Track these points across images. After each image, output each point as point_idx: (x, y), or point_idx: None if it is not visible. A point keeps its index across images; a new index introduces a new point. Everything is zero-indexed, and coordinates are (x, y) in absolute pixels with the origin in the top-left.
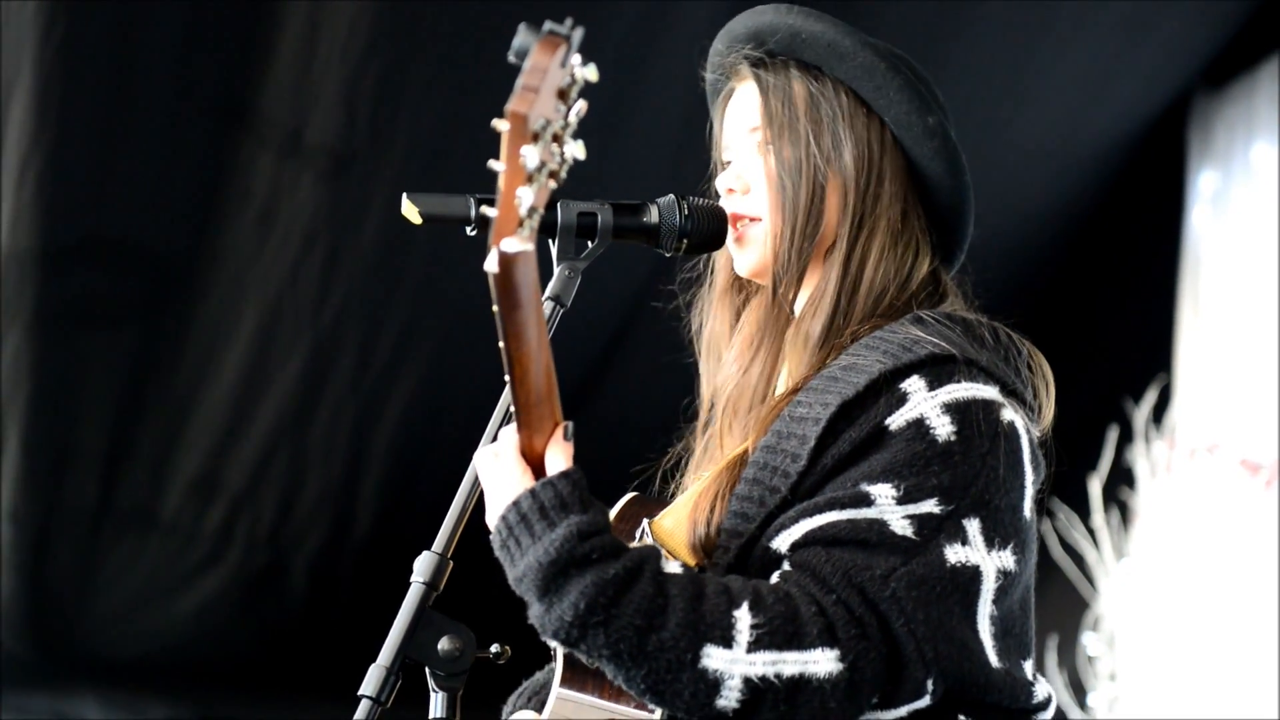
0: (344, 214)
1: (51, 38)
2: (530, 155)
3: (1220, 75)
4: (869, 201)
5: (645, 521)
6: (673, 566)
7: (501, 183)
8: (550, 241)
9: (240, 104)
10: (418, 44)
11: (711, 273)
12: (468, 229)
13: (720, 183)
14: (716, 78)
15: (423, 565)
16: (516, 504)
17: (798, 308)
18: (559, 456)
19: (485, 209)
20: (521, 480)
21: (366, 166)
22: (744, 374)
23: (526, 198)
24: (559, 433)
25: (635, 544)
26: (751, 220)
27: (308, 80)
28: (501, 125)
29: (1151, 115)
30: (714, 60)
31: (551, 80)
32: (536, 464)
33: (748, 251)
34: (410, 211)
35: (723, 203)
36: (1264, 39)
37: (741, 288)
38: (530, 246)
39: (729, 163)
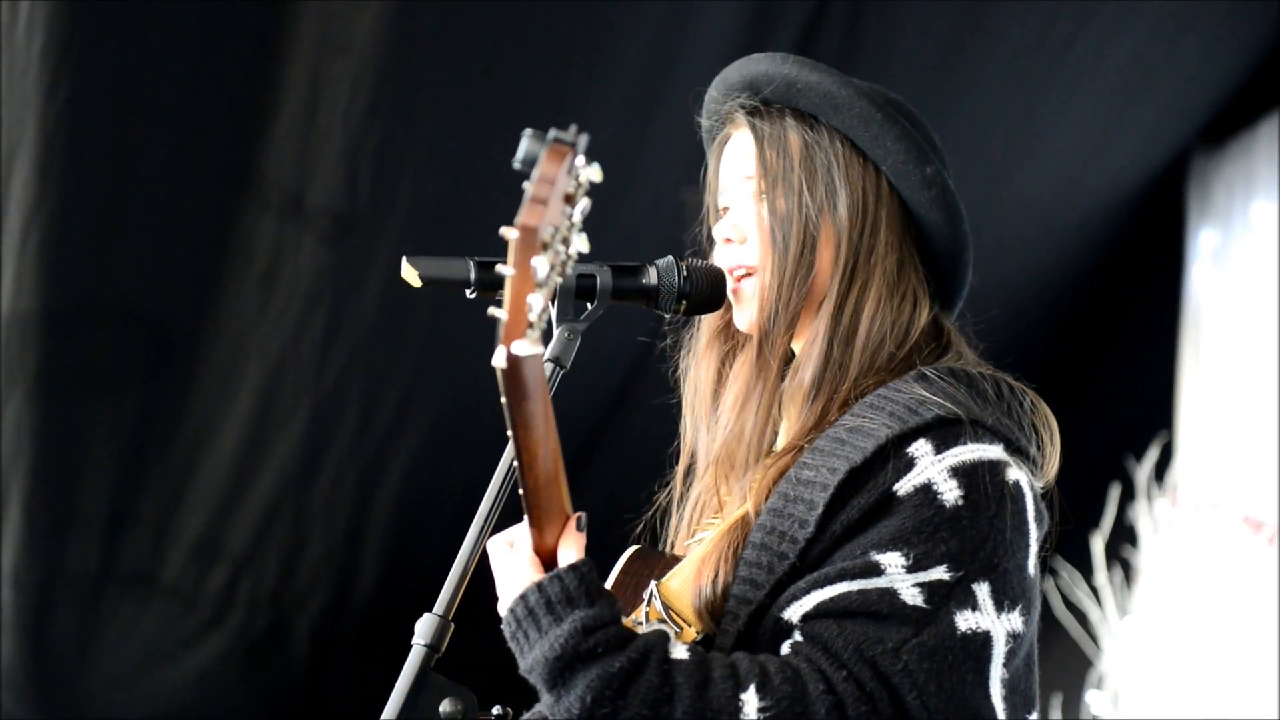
0: (346, 276)
1: (55, 101)
2: (540, 265)
3: (1219, 133)
4: (863, 251)
5: (653, 583)
6: (680, 652)
7: (510, 287)
8: (550, 304)
9: (242, 167)
10: (419, 107)
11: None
12: (468, 292)
13: (717, 232)
14: (712, 124)
15: (424, 627)
16: (524, 597)
17: (797, 352)
18: (570, 549)
19: (494, 310)
20: (530, 573)
21: (368, 229)
22: (738, 429)
23: (536, 304)
24: (571, 524)
25: (643, 605)
26: (747, 273)
27: (309, 143)
28: (510, 234)
29: (1151, 173)
30: (709, 107)
31: (559, 189)
32: (549, 555)
33: (745, 307)
34: (410, 274)
35: (719, 252)
36: (1262, 98)
37: (728, 334)
38: (539, 349)
39: (724, 209)
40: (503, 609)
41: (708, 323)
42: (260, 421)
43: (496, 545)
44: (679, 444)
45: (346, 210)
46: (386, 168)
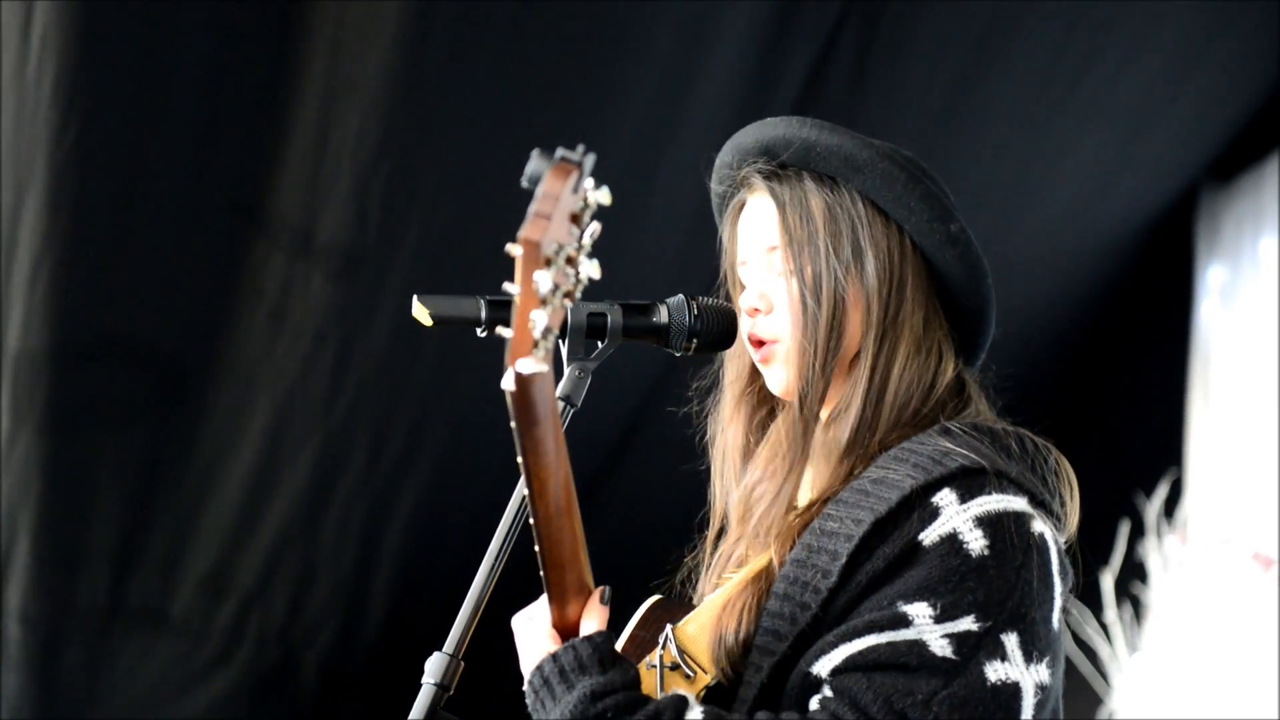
0: (354, 313)
1: (64, 139)
2: (543, 280)
3: (1228, 169)
4: (891, 310)
5: (669, 626)
6: (695, 714)
7: (516, 305)
8: (560, 342)
9: (251, 204)
10: (429, 143)
11: (721, 379)
12: (478, 330)
13: (744, 302)
14: (726, 189)
15: (434, 666)
16: (540, 668)
17: (822, 416)
18: (593, 620)
19: (501, 330)
20: (546, 644)
21: (377, 266)
22: (771, 489)
23: (540, 320)
24: (595, 598)
25: (658, 648)
26: (774, 341)
27: (318, 180)
28: (515, 250)
29: (1159, 209)
30: (722, 172)
31: (564, 206)
32: (568, 629)
33: (776, 371)
34: (421, 313)
35: (748, 323)
36: (1271, 133)
37: (755, 396)
38: (545, 367)
39: (743, 277)
40: (525, 681)
41: (731, 388)
42: (269, 457)
43: (518, 621)
44: (704, 509)
45: (355, 247)
46: (395, 205)
